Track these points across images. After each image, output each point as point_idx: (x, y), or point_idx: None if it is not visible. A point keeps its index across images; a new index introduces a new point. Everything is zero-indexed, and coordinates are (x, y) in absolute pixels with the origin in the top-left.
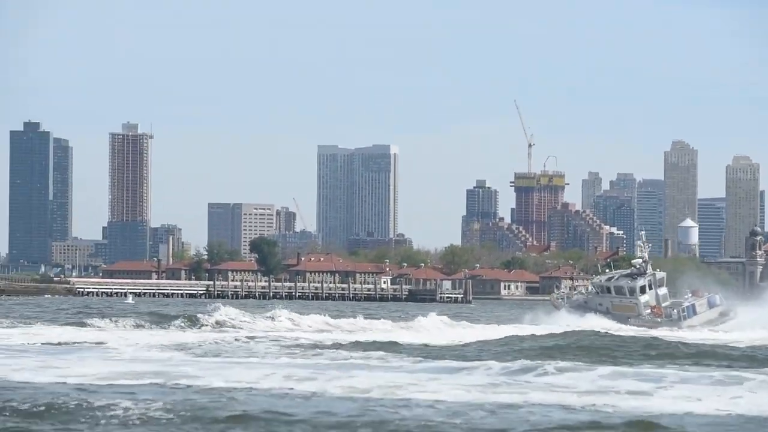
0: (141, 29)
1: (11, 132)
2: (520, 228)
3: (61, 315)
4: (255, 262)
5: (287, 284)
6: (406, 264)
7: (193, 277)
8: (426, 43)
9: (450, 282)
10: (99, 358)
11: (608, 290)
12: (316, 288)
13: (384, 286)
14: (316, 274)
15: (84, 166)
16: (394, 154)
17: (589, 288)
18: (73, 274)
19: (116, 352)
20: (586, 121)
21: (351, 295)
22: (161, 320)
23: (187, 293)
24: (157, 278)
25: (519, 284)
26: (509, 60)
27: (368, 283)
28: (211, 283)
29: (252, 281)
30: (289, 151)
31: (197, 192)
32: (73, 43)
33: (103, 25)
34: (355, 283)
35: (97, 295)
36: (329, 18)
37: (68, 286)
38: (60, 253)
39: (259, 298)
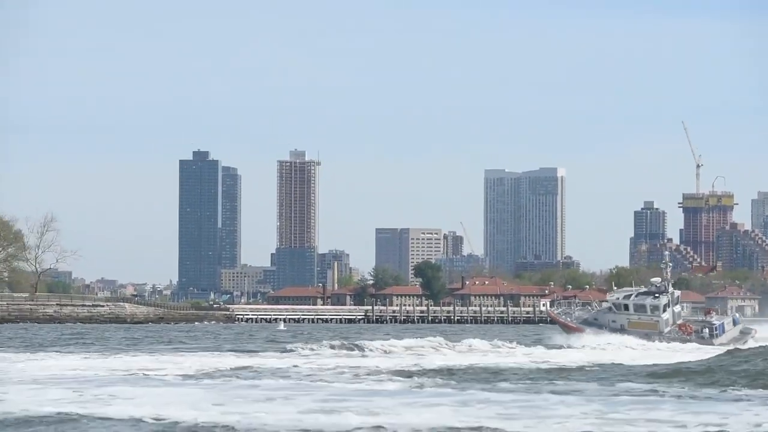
0: (306, 58)
1: (180, 161)
2: (689, 249)
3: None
4: (420, 286)
5: (446, 308)
6: (571, 286)
7: (353, 303)
8: (592, 64)
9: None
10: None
11: (626, 307)
12: (475, 311)
13: (543, 308)
14: (481, 297)
15: (252, 193)
16: (561, 176)
17: (594, 305)
18: (242, 300)
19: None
20: (755, 140)
21: (510, 318)
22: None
23: (346, 318)
24: (323, 304)
25: (684, 305)
26: (675, 80)
27: (528, 306)
28: (370, 308)
29: (410, 305)
30: (456, 175)
31: (365, 217)
32: (239, 72)
33: (269, 54)
34: (518, 306)
35: (256, 321)
36: (493, 41)
37: (227, 313)
38: (229, 280)
39: (418, 322)
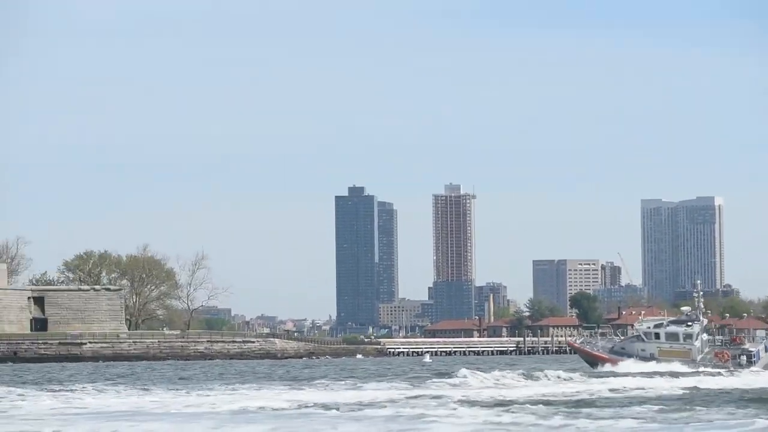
0: (457, 93)
1: (336, 197)
2: None
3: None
4: (576, 317)
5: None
6: (728, 315)
7: (508, 334)
8: (749, 91)
9: (765, 331)
10: None
11: (657, 336)
12: None
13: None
14: None
15: (408, 227)
16: (719, 205)
17: (608, 334)
18: (400, 334)
19: None
20: None
21: None
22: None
23: (498, 350)
24: (479, 336)
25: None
26: None
27: None
28: (521, 339)
29: (562, 336)
30: (613, 205)
31: (521, 249)
32: (391, 108)
33: (421, 90)
34: None
35: (407, 354)
36: (645, 70)
37: (378, 347)
38: (387, 314)
39: (570, 353)
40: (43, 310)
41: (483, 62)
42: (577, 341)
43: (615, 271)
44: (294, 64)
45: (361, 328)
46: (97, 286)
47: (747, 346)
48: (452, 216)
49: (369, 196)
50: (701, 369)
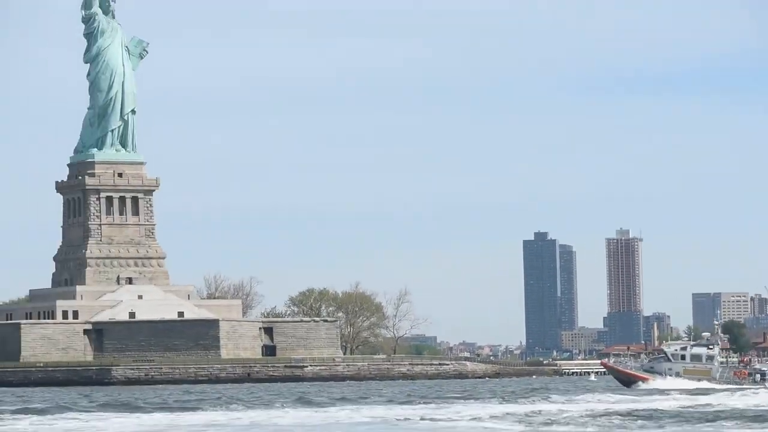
0: (618, 151)
1: (524, 241)
2: None
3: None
4: (727, 341)
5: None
6: None
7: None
8: None
9: None
10: None
11: (683, 357)
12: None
13: None
14: None
15: (585, 266)
16: None
17: (641, 356)
18: (579, 357)
19: None
20: None
21: None
22: None
23: None
24: (645, 357)
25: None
26: None
27: None
28: None
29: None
30: (763, 241)
31: (683, 284)
32: (558, 163)
33: (591, 147)
34: None
35: (579, 374)
36: None
37: (555, 367)
38: (569, 340)
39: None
40: (272, 339)
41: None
42: (610, 362)
43: (763, 302)
44: (480, 127)
45: (547, 352)
46: (317, 318)
47: (758, 365)
48: (623, 256)
49: (551, 240)
50: (725, 386)
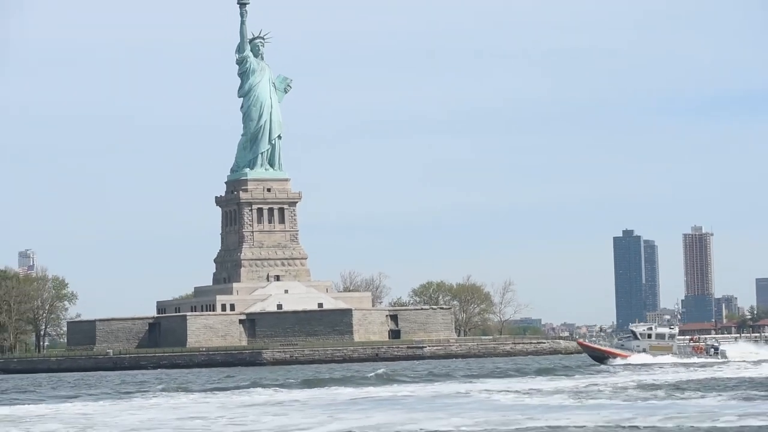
0: (696, 156)
1: (614, 238)
2: None
3: None
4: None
5: None
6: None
7: (736, 332)
8: None
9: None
10: None
11: (649, 336)
12: None
13: None
14: None
15: (665, 257)
16: None
17: (603, 333)
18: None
19: None
20: None
21: None
22: None
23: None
24: (714, 333)
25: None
26: None
27: None
28: (744, 334)
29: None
30: None
31: (748, 270)
32: (650, 158)
33: (668, 151)
34: None
35: None
36: None
37: None
38: (652, 320)
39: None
40: (397, 324)
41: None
42: (585, 341)
43: None
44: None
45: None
46: (434, 306)
47: (710, 342)
48: (697, 248)
49: (637, 236)
50: (685, 360)
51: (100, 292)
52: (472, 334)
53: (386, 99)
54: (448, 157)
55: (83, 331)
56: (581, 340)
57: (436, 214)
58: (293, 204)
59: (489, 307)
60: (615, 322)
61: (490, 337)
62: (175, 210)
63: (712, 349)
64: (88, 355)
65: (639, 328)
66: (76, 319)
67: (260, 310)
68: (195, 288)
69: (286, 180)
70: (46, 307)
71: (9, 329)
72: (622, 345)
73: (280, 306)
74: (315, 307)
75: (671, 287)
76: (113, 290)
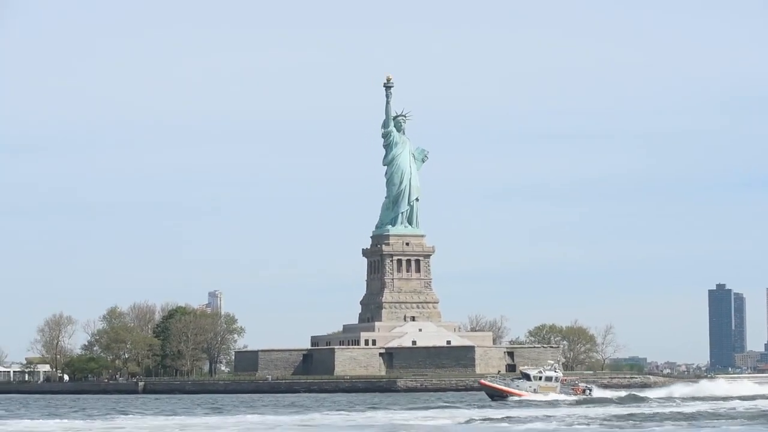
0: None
1: (709, 290)
2: None
3: None
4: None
5: None
6: None
7: None
8: None
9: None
10: None
11: (538, 378)
12: None
13: None
14: None
15: (752, 307)
16: None
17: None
18: (745, 372)
19: None
20: None
21: None
22: None
23: None
24: None
25: None
26: None
27: None
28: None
29: None
30: None
31: None
32: (735, 226)
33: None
34: None
35: None
36: None
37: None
38: (740, 360)
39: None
40: (513, 359)
41: None
42: (487, 381)
43: None
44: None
45: (724, 369)
46: (545, 345)
47: (584, 384)
48: None
49: (728, 289)
50: (568, 398)
51: (264, 327)
52: (579, 369)
53: (508, 169)
54: (560, 220)
55: (248, 359)
56: (483, 381)
57: (551, 267)
58: (428, 256)
59: (593, 347)
60: (708, 361)
61: (591, 371)
62: (328, 259)
63: (588, 390)
64: (251, 380)
65: (531, 371)
66: (243, 349)
67: (397, 345)
68: (343, 325)
69: (422, 236)
70: (219, 339)
71: (186, 356)
72: (518, 386)
73: (414, 342)
74: (444, 344)
75: (757, 332)
76: (275, 325)
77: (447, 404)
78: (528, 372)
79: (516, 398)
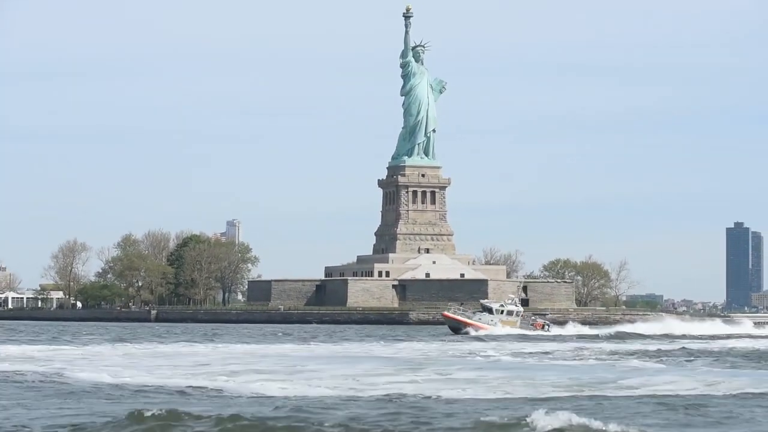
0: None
1: (726, 228)
2: None
3: None
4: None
5: None
6: None
7: None
8: None
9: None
10: None
11: (500, 311)
12: None
13: None
14: None
15: None
16: None
17: (460, 308)
18: (761, 312)
19: None
20: None
21: None
22: None
23: None
24: None
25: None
26: None
27: None
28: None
29: None
30: None
31: None
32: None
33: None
34: None
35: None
36: None
37: (728, 318)
38: (757, 300)
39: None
40: (526, 294)
41: None
42: (449, 313)
43: None
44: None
45: (740, 307)
46: (558, 280)
47: (541, 321)
48: None
49: (746, 228)
50: (529, 332)
51: (279, 257)
52: (593, 305)
53: (525, 101)
54: (577, 153)
55: (261, 289)
56: (445, 312)
57: (567, 201)
58: (443, 188)
59: (607, 283)
60: (725, 300)
61: (604, 308)
62: (344, 190)
63: (547, 326)
64: (263, 310)
65: (494, 305)
66: (256, 279)
67: (411, 277)
68: (357, 256)
69: (438, 167)
70: (233, 268)
71: (200, 285)
72: (480, 319)
73: (428, 274)
74: (457, 277)
75: None
76: (289, 256)
77: (410, 338)
78: (490, 305)
79: (476, 331)
